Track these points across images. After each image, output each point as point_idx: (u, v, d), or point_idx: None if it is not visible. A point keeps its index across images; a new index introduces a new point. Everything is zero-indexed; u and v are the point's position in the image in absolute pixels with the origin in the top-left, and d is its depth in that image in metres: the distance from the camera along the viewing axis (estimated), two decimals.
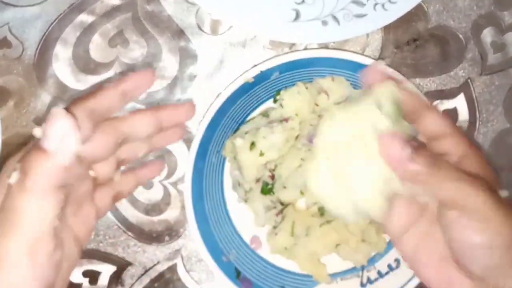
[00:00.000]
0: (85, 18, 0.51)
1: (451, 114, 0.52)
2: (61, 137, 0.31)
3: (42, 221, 0.31)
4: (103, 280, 0.51)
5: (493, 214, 0.33)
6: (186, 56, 0.51)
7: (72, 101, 0.35)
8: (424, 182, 0.34)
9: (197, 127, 0.48)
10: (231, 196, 0.50)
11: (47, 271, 0.33)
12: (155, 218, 0.51)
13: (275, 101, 0.50)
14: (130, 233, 0.51)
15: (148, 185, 0.51)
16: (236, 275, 0.48)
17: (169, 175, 0.51)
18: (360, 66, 0.48)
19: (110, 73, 0.51)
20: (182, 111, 0.41)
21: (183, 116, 0.42)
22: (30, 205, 0.31)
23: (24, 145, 0.49)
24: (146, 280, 0.51)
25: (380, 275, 0.49)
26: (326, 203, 0.36)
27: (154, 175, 0.47)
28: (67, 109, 0.33)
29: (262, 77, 0.48)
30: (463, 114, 0.52)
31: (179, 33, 0.51)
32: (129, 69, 0.51)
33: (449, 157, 0.36)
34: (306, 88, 0.48)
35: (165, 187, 0.51)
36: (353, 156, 0.35)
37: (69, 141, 0.32)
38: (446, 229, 0.35)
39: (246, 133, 0.47)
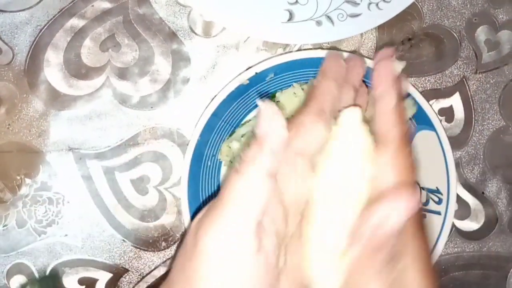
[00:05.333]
0: (75, 22, 0.50)
1: (448, 113, 0.52)
2: (269, 122, 0.33)
3: (249, 206, 0.31)
4: (100, 287, 0.50)
5: None
6: (179, 59, 0.51)
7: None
8: None
9: (192, 131, 0.47)
10: None
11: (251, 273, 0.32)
12: (151, 224, 0.51)
13: None
14: (125, 240, 0.50)
15: (143, 191, 0.50)
16: None
17: (164, 180, 0.51)
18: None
19: (102, 78, 0.50)
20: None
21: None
22: (240, 188, 0.32)
23: (16, 153, 0.49)
24: (142, 286, 0.50)
25: None
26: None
27: None
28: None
29: (257, 79, 0.47)
30: (459, 113, 0.52)
31: (171, 36, 0.51)
32: (121, 73, 0.50)
33: None
34: (302, 89, 0.47)
35: (160, 192, 0.50)
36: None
37: (276, 125, 0.33)
38: None
39: (242, 136, 0.47)
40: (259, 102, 0.33)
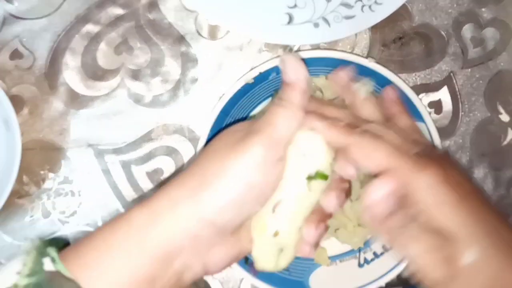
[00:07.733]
0: (91, 28, 0.53)
1: (436, 106, 0.54)
2: (294, 70, 0.43)
3: (285, 129, 0.41)
4: None
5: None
6: (187, 60, 0.53)
7: None
8: None
9: (202, 126, 0.50)
10: None
11: (270, 173, 0.41)
12: None
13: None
14: None
15: (158, 182, 0.53)
16: (244, 260, 0.50)
17: (177, 172, 0.53)
18: (350, 64, 0.50)
19: (117, 79, 0.53)
20: None
21: None
22: (281, 117, 0.42)
23: (40, 150, 0.52)
24: None
25: (376, 255, 0.52)
26: None
27: None
28: None
29: (261, 78, 0.50)
30: (447, 105, 0.54)
31: (180, 39, 0.53)
32: (135, 75, 0.53)
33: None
34: None
35: None
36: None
37: (301, 72, 0.43)
38: None
39: None
40: (283, 56, 0.44)
